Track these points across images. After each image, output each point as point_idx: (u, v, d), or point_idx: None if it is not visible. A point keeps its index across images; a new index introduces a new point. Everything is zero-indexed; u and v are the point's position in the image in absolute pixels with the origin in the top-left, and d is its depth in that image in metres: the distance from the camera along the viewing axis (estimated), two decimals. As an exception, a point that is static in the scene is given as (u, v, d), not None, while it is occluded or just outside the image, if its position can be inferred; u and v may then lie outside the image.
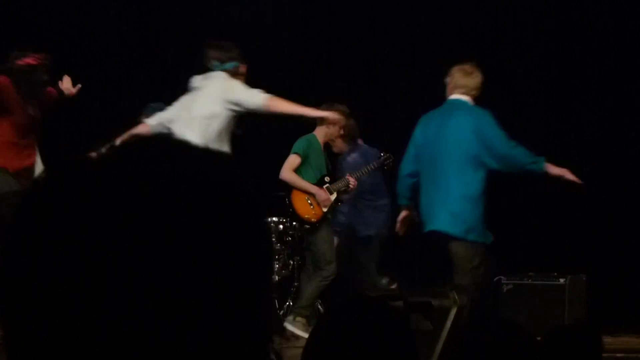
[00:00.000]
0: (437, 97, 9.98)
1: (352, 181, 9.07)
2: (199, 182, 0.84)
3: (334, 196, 9.07)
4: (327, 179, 9.10)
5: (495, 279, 9.30)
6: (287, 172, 8.92)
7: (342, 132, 9.15)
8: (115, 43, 11.03)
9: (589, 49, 10.50)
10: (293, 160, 8.92)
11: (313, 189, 8.96)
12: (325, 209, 9.01)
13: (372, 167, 9.27)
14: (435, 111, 7.53)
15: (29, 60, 7.56)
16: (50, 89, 7.79)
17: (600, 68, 10.41)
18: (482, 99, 7.55)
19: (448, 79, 7.48)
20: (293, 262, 9.78)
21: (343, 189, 9.12)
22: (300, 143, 8.97)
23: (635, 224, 9.90)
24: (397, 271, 9.27)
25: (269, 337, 0.90)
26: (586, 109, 10.35)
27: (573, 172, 7.65)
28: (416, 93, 10.49)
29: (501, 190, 10.07)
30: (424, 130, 7.50)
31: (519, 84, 10.55)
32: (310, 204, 8.97)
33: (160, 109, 7.95)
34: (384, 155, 9.39)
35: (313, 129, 9.05)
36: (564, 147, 10.15)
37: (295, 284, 9.79)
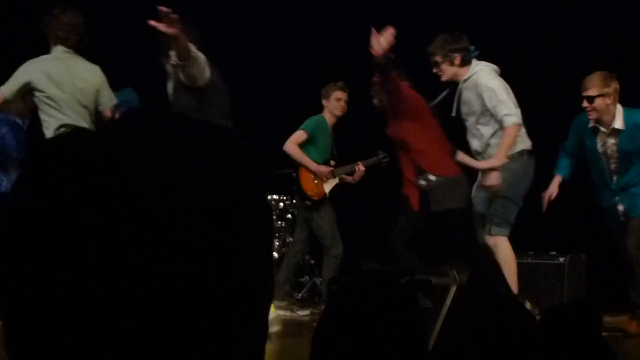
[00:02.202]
0: (436, 93, 9.95)
1: (360, 168, 9.15)
2: (199, 156, 0.83)
3: (336, 180, 9.15)
4: (332, 162, 9.17)
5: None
6: (291, 145, 8.98)
7: (343, 103, 9.16)
8: (116, 41, 10.95)
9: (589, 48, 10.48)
10: (299, 135, 8.99)
11: (313, 166, 9.04)
12: (326, 189, 9.08)
13: (369, 163, 9.33)
14: None
15: None
16: None
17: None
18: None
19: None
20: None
21: (346, 173, 9.19)
22: (309, 121, 9.06)
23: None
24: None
25: (267, 313, 0.90)
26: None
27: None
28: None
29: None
30: None
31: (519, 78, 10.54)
32: (315, 182, 9.06)
33: (131, 98, 7.92)
34: (381, 154, 9.38)
35: (321, 109, 9.13)
36: (564, 126, 10.14)
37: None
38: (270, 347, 6.90)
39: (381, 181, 9.40)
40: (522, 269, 9.09)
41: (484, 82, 7.61)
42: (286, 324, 8.61)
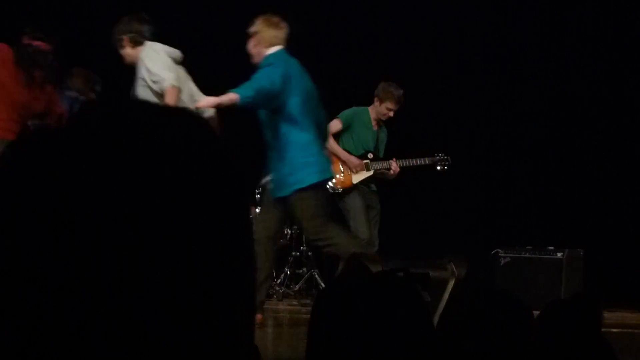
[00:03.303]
0: (439, 90, 9.97)
1: (393, 165, 9.06)
2: (170, 145, 0.82)
3: (369, 173, 9.09)
4: (370, 155, 9.12)
5: (492, 252, 9.33)
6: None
7: (391, 114, 9.08)
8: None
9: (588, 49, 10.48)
10: (334, 124, 9.00)
11: (343, 155, 9.04)
12: (355, 180, 9.07)
13: (423, 162, 9.21)
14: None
15: (41, 44, 7.32)
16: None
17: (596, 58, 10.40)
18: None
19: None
20: (291, 231, 9.83)
21: (381, 170, 9.11)
22: (346, 111, 9.08)
23: (633, 199, 9.91)
24: (394, 242, 9.27)
25: (252, 306, 0.88)
26: (586, 84, 10.34)
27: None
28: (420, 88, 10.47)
29: (499, 163, 10.08)
30: None
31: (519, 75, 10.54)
32: (342, 172, 9.07)
33: None
34: (440, 155, 9.30)
35: (365, 103, 9.09)
36: (563, 122, 10.14)
37: (293, 253, 9.83)
38: (268, 338, 6.90)
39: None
40: (519, 264, 9.10)
41: (143, 57, 7.22)
42: (284, 314, 8.62)
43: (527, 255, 9.13)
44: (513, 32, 10.55)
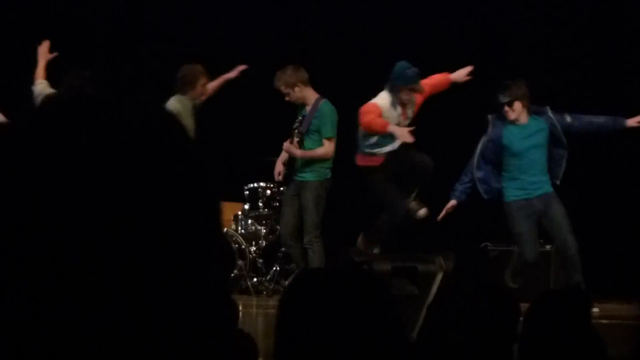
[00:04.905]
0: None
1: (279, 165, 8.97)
2: (131, 136, 0.82)
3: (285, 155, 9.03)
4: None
5: (481, 245, 9.34)
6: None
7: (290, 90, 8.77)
8: (112, 42, 10.89)
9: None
10: None
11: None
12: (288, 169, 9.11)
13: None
14: None
15: None
16: None
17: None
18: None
19: None
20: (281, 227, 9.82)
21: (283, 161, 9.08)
22: None
23: (622, 193, 9.93)
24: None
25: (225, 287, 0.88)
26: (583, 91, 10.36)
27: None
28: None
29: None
30: None
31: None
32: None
33: None
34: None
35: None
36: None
37: (282, 249, 9.82)
38: (258, 334, 6.90)
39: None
40: (508, 257, 9.10)
41: None
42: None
43: (516, 248, 9.14)
44: (509, 28, 10.56)
